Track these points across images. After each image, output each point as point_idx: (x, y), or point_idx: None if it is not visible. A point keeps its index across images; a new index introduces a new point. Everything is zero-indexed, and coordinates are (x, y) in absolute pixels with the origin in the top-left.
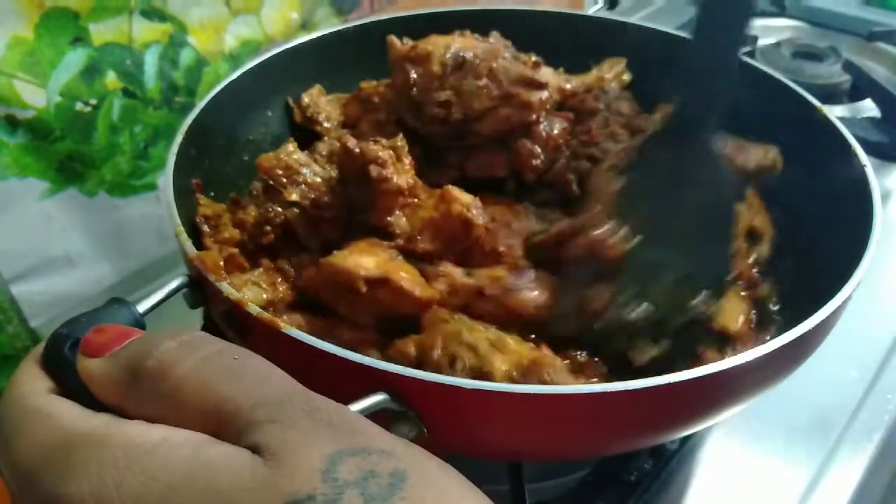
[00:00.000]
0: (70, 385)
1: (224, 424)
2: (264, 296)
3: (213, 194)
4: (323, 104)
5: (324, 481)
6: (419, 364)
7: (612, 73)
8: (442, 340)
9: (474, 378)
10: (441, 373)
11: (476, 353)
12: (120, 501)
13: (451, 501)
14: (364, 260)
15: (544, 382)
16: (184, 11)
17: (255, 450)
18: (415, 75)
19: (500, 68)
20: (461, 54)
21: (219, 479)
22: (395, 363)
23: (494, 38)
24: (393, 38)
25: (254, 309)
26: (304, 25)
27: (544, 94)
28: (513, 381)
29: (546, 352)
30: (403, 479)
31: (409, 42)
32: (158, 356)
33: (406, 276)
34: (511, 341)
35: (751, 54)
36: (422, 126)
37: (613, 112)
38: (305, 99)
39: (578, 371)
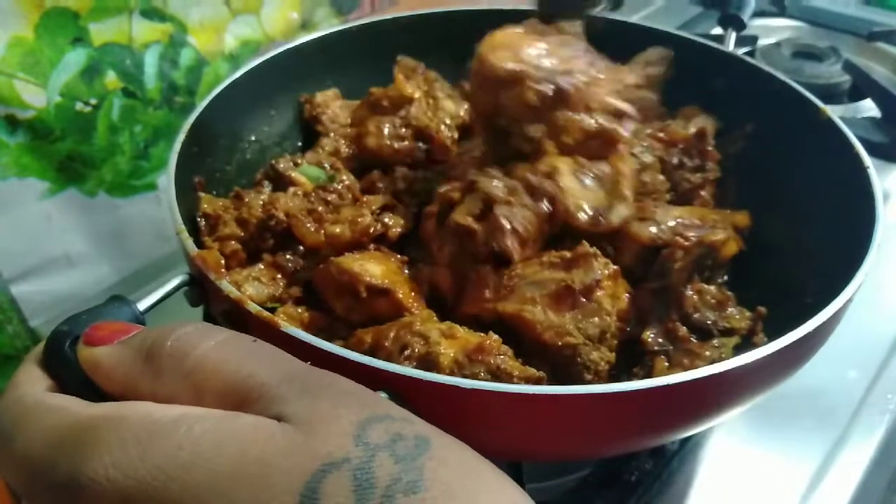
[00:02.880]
0: (70, 382)
1: (247, 399)
2: (267, 291)
3: (215, 193)
4: (334, 106)
5: (356, 445)
6: (372, 352)
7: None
8: (395, 330)
9: (422, 365)
10: (391, 361)
11: (426, 341)
12: (146, 471)
13: (471, 465)
14: (371, 266)
15: (490, 367)
16: (184, 11)
17: (280, 419)
18: (505, 101)
19: (594, 97)
20: (561, 84)
21: (250, 447)
22: (354, 350)
23: (573, 38)
24: (485, 53)
25: (253, 307)
26: (304, 25)
27: (630, 128)
28: (459, 365)
29: (492, 337)
30: (428, 443)
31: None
32: (178, 337)
33: (408, 293)
34: (461, 330)
35: (751, 54)
36: (499, 150)
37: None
38: (319, 97)
39: None
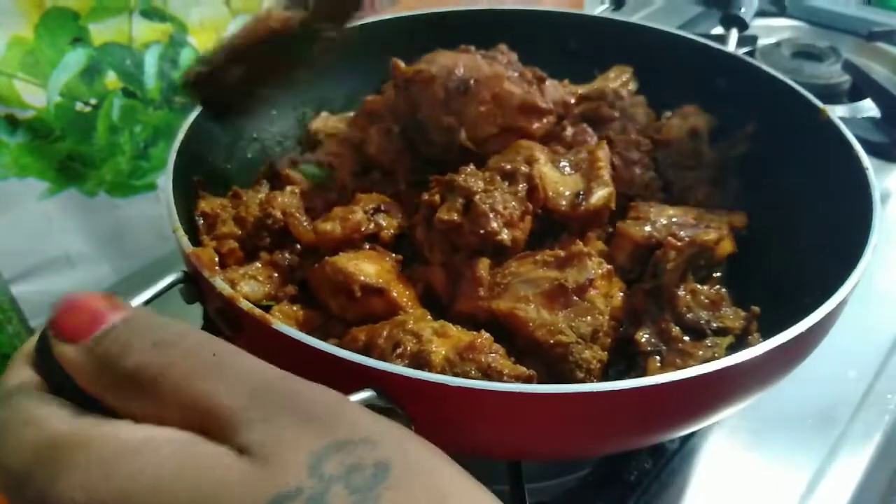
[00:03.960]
0: (58, 380)
1: (211, 423)
2: (263, 289)
3: (215, 192)
4: (329, 126)
5: (310, 476)
6: (366, 350)
7: (619, 81)
8: (389, 329)
9: (414, 363)
10: (384, 359)
11: (419, 339)
12: (108, 494)
13: (438, 487)
14: (366, 266)
15: (481, 365)
16: (184, 11)
17: (243, 449)
18: (418, 99)
19: (503, 93)
20: (465, 79)
21: (208, 475)
22: (348, 349)
23: (501, 52)
24: (397, 61)
25: (246, 305)
26: None
27: (545, 121)
28: (450, 363)
29: (484, 335)
30: (387, 469)
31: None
32: (135, 358)
33: (402, 292)
34: (454, 329)
35: (751, 54)
36: (425, 146)
37: (629, 119)
38: (313, 126)
39: None
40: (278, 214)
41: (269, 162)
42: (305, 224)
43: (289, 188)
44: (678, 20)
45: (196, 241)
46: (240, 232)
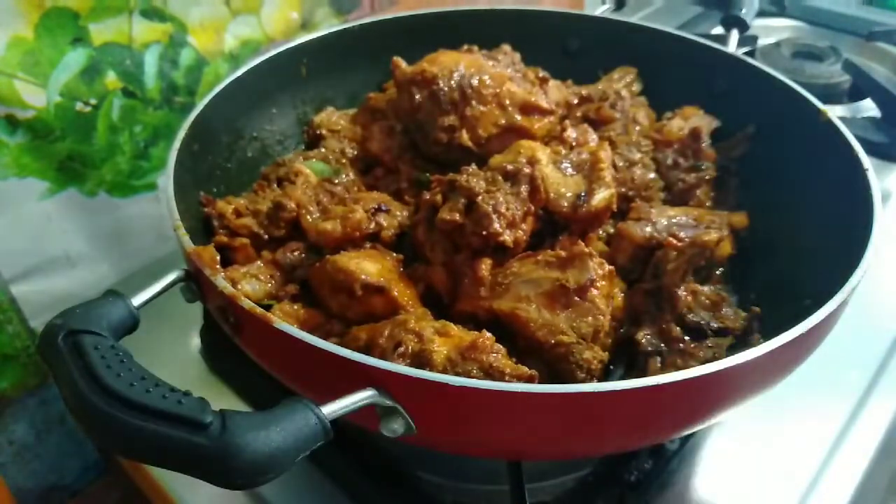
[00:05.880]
0: (62, 373)
1: None
2: (264, 288)
3: (215, 191)
4: (331, 123)
5: None
6: (367, 349)
7: (623, 82)
8: (390, 328)
9: (416, 362)
10: (385, 358)
11: (420, 339)
12: None
13: None
14: (367, 265)
15: (482, 365)
16: (184, 11)
17: None
18: (419, 98)
19: (505, 93)
20: (467, 79)
21: None
22: (349, 348)
23: (504, 52)
24: (398, 60)
25: (247, 303)
26: (304, 25)
27: (547, 121)
28: (452, 363)
29: (486, 335)
30: None
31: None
32: None
33: (403, 291)
34: (455, 328)
35: (751, 54)
36: (426, 146)
37: (631, 120)
38: (316, 119)
39: None
40: (292, 205)
41: (277, 160)
42: (316, 216)
43: (300, 180)
44: (678, 20)
45: (207, 236)
46: (255, 222)
